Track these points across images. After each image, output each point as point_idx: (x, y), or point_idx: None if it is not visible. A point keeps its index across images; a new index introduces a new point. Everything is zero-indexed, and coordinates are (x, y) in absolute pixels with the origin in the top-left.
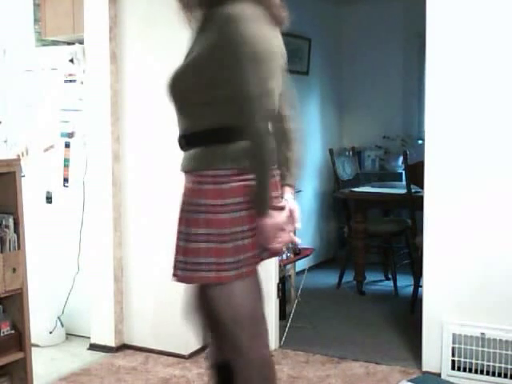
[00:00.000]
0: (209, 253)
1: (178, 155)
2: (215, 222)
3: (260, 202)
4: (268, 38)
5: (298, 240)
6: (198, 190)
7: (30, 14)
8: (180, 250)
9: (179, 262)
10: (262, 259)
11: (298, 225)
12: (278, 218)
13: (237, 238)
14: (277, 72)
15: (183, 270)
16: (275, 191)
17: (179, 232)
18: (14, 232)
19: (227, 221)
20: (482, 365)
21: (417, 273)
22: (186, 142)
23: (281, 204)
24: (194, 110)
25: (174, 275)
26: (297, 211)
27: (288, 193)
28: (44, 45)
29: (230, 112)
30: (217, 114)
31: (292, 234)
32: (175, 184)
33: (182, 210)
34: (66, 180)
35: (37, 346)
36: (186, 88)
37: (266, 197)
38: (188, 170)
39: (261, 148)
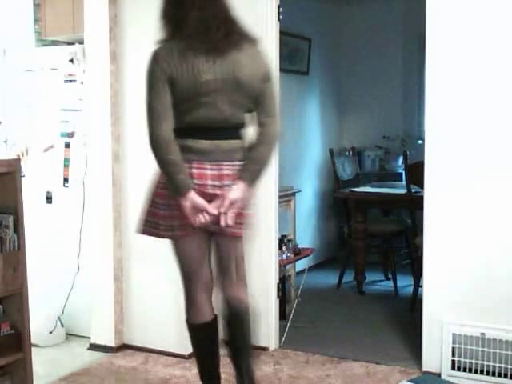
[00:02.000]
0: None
1: None
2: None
3: (170, 188)
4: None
5: (209, 222)
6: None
7: (30, 14)
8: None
9: (146, 221)
10: (208, 229)
11: (225, 209)
12: (193, 201)
13: (164, 209)
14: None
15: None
16: (200, 180)
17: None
18: (14, 232)
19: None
20: (482, 365)
21: (417, 273)
22: None
23: (208, 191)
24: None
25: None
26: (229, 200)
27: (238, 184)
28: (44, 45)
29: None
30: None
31: (207, 217)
32: None
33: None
34: (66, 180)
35: (37, 346)
36: None
37: (173, 185)
38: None
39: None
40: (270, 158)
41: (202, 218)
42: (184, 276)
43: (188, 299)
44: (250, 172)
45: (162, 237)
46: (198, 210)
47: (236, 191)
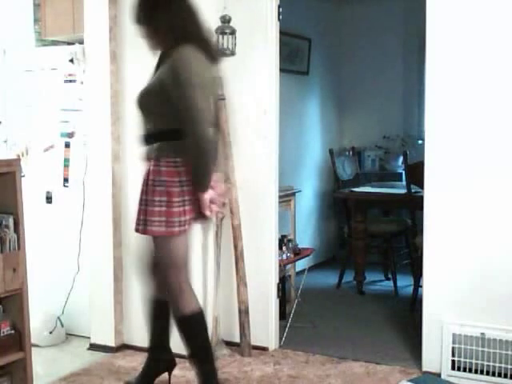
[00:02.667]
0: (161, 214)
1: None
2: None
3: (198, 182)
4: (203, 72)
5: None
6: (158, 170)
7: (30, 14)
8: (141, 212)
9: (141, 220)
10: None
11: (223, 198)
12: (210, 193)
13: (179, 205)
14: (209, 95)
15: (144, 225)
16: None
17: (141, 199)
18: (14, 232)
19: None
20: (482, 365)
21: (417, 273)
22: (150, 138)
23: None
24: (154, 118)
25: (137, 230)
26: (219, 189)
27: (217, 176)
28: (44, 45)
29: (177, 120)
30: (166, 121)
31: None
32: None
33: (147, 185)
34: (66, 180)
35: (37, 346)
36: (149, 103)
37: (206, 180)
38: (151, 157)
39: (199, 145)
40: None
41: (215, 207)
42: (179, 267)
43: (181, 291)
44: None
45: (177, 233)
46: (213, 201)
47: (220, 183)
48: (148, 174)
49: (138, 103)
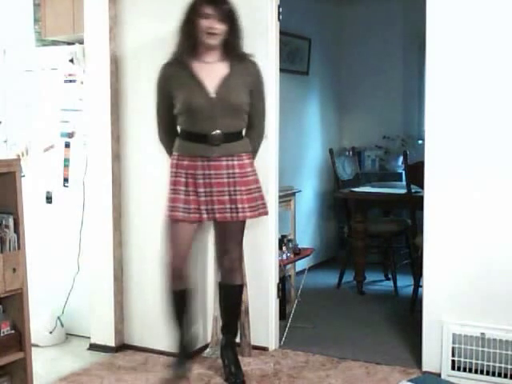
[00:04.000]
0: (257, 199)
1: None
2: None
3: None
4: None
5: None
6: (243, 164)
7: (30, 14)
8: (230, 201)
9: (232, 209)
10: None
11: None
12: None
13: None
14: None
15: (236, 212)
16: None
17: (222, 191)
18: (14, 232)
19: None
20: (482, 365)
21: (417, 273)
22: (232, 135)
23: None
24: (240, 117)
25: (229, 218)
26: None
27: None
28: (44, 45)
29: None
30: (245, 121)
31: None
32: None
33: (233, 177)
34: (66, 180)
35: (37, 346)
36: (242, 104)
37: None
38: (235, 152)
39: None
40: None
41: None
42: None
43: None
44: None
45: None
46: None
47: None
48: (221, 167)
49: (226, 100)
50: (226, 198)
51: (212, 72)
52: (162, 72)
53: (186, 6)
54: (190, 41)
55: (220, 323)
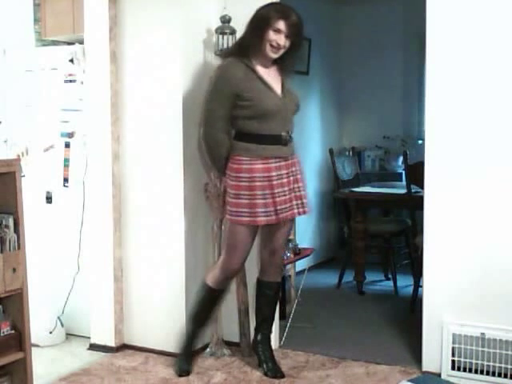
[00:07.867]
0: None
1: (177, 155)
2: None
3: None
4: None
5: None
6: (297, 162)
7: (30, 14)
8: (296, 197)
9: (299, 204)
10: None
11: None
12: None
13: None
14: None
15: (303, 207)
16: None
17: (293, 188)
18: (14, 232)
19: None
20: (482, 365)
21: (417, 273)
22: (291, 138)
23: None
24: (292, 123)
25: (297, 213)
26: None
27: None
28: (44, 45)
29: None
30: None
31: None
32: (175, 183)
33: (296, 174)
34: (66, 180)
35: (37, 346)
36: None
37: None
38: (294, 152)
39: None
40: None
41: None
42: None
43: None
44: None
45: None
46: None
47: None
48: (289, 166)
49: (295, 109)
50: (293, 195)
51: (273, 76)
52: (230, 72)
53: (258, 11)
54: (257, 46)
55: (220, 323)
